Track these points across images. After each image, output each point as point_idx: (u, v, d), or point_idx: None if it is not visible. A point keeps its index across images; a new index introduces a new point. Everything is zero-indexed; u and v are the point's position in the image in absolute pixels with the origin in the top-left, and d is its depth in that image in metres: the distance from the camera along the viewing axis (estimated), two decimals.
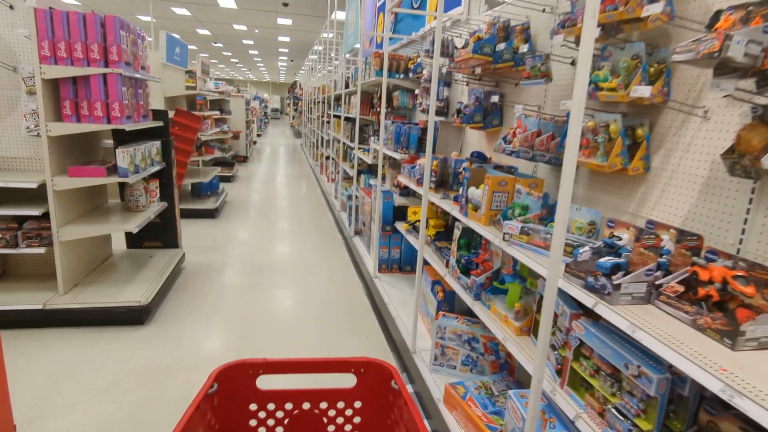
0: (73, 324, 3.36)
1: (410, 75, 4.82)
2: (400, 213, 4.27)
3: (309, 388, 1.50)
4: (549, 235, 1.93)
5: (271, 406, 1.48)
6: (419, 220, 3.56)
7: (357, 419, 1.53)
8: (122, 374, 2.89)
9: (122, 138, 4.11)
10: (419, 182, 3.41)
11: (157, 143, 4.08)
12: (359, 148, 6.12)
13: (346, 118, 7.35)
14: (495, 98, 2.90)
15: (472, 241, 2.75)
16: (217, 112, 8.68)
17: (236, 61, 29.77)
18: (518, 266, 2.33)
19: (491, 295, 2.36)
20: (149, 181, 4.02)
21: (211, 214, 6.66)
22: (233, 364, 1.44)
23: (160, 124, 4.14)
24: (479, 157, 2.88)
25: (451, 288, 2.80)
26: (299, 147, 19.04)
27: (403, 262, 4.30)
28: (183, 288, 4.23)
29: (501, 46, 2.79)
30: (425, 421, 1.35)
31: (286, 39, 19.29)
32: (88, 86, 3.15)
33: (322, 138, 10.99)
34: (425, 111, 4.24)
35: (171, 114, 6.12)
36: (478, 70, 2.95)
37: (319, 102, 11.80)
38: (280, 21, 15.32)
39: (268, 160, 14.07)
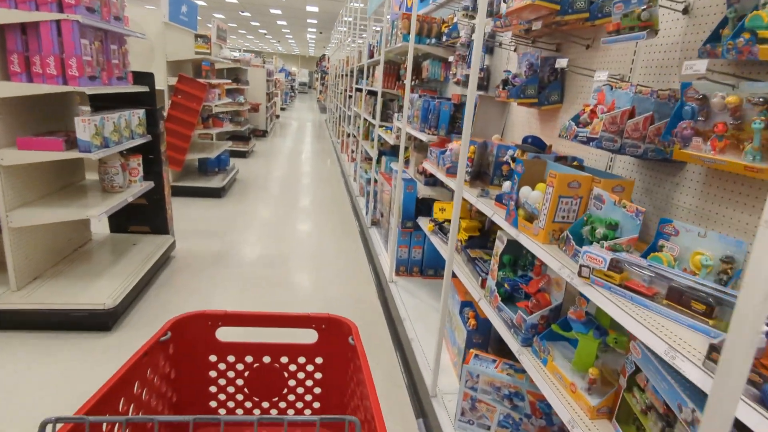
0: (25, 327, 2.81)
1: (444, 40, 4.03)
2: (424, 206, 3.56)
3: (270, 342, 1.47)
4: (657, 276, 1.20)
5: (231, 359, 1.46)
6: (448, 220, 2.84)
7: (318, 375, 1.51)
8: (73, 396, 2.32)
9: (101, 105, 3.50)
10: (450, 172, 2.68)
11: (140, 112, 3.45)
12: (381, 126, 5.39)
13: (369, 92, 6.60)
14: (562, 62, 2.12)
15: (519, 258, 2.03)
16: (230, 82, 8.03)
17: (265, 32, 29.04)
18: (594, 309, 1.61)
19: (549, 344, 1.65)
20: (129, 156, 3.41)
21: (216, 193, 6.08)
22: (191, 315, 1.42)
23: (144, 89, 3.51)
24: (534, 144, 2.13)
25: (487, 316, 2.10)
26: (324, 123, 18.35)
27: (425, 265, 3.60)
28: (168, 282, 3.65)
29: None
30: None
31: (315, 9, 18.43)
32: (39, 37, 2.51)
33: (345, 114, 10.26)
34: (460, 83, 3.47)
35: (172, 81, 5.50)
36: (538, 26, 2.17)
37: (343, 75, 11.03)
38: None
39: (289, 136, 13.44)
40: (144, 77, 3.54)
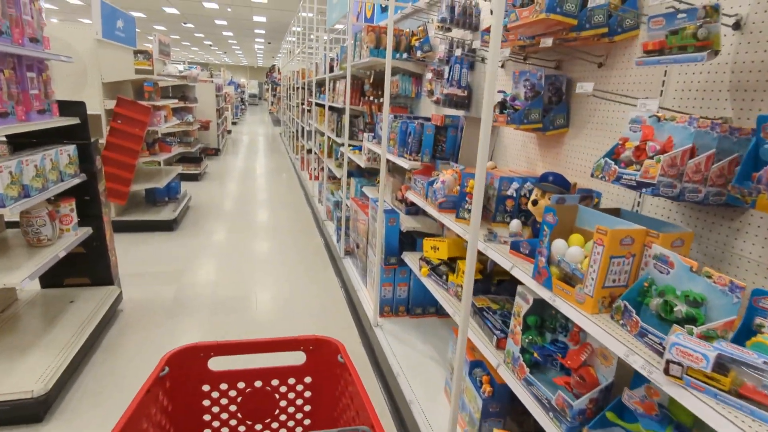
0: None
1: (416, 54, 3.72)
2: (407, 237, 3.22)
3: (260, 367, 1.51)
4: None
5: (223, 386, 1.50)
6: (444, 262, 2.51)
7: (308, 393, 1.57)
8: None
9: (23, 143, 2.95)
10: (444, 207, 2.35)
11: (70, 149, 2.93)
12: (350, 146, 5.02)
13: (331, 108, 6.22)
14: (587, 87, 1.81)
15: (547, 319, 1.71)
16: (177, 101, 7.44)
17: (210, 43, 28.03)
18: (666, 398, 1.30)
19: None
20: (59, 202, 2.88)
21: (168, 225, 5.50)
22: (184, 348, 1.45)
23: (73, 120, 2.98)
24: (557, 183, 1.82)
25: (505, 381, 1.78)
26: (278, 136, 17.74)
27: (411, 304, 3.25)
28: (115, 345, 3.11)
29: (591, 2, 1.73)
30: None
31: (262, 19, 17.88)
32: None
33: (303, 128, 9.81)
34: (440, 102, 3.16)
35: (110, 105, 4.92)
36: (548, 42, 1.87)
37: (298, 88, 10.58)
38: None
39: (243, 152, 12.80)
40: (73, 107, 3.02)
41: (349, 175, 5.38)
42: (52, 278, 3.42)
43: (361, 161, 4.31)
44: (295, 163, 10.81)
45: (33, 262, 2.52)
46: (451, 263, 2.48)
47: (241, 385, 1.50)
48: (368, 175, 5.35)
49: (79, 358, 2.77)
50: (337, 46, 6.21)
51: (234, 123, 20.67)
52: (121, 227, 5.32)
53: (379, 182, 4.05)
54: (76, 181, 2.99)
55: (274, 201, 7.39)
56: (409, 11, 4.11)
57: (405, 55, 3.91)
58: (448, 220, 2.26)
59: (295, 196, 7.88)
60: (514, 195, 2.11)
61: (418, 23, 4.02)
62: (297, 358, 1.54)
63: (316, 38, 8.26)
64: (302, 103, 9.73)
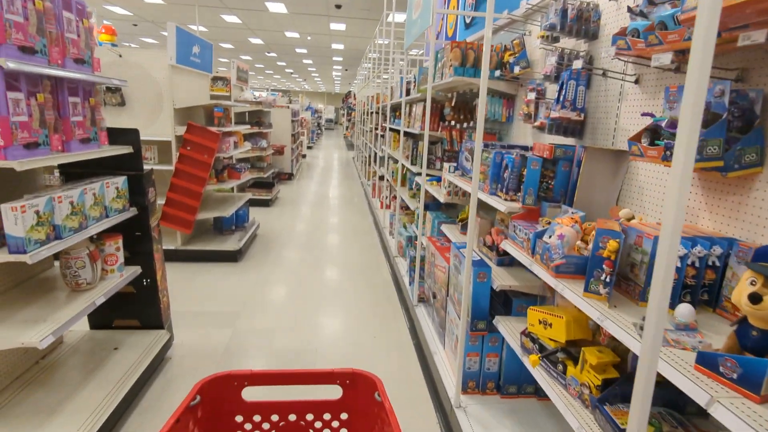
0: None
1: (510, 72, 3.13)
2: (498, 296, 2.58)
3: (295, 400, 1.49)
4: None
5: (257, 418, 1.47)
6: (563, 347, 1.85)
7: (343, 431, 1.51)
8: None
9: (73, 171, 2.70)
10: (561, 272, 1.71)
11: (119, 181, 2.63)
12: (427, 176, 4.47)
13: (407, 134, 5.74)
14: None
15: None
16: (250, 127, 7.35)
17: (291, 71, 29.19)
18: None
19: None
20: (103, 240, 2.57)
21: (232, 257, 5.23)
22: (217, 376, 1.42)
23: (124, 150, 2.70)
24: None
25: None
26: (351, 161, 17.69)
27: (503, 380, 2.57)
28: (157, 404, 2.73)
29: None
30: None
31: (340, 46, 18.17)
32: None
33: (375, 154, 9.46)
34: (545, 128, 2.53)
35: (181, 131, 4.76)
36: (761, 37, 1.21)
37: (372, 113, 10.30)
38: (333, 26, 14.14)
39: (316, 177, 12.72)
40: (125, 135, 2.74)
41: (425, 207, 4.82)
42: (101, 318, 3.14)
43: (440, 195, 3.73)
44: (366, 189, 10.46)
45: (63, 313, 2.18)
46: (571, 346, 1.81)
47: (274, 417, 1.47)
48: (445, 208, 4.76)
49: (114, 419, 2.39)
50: (414, 69, 5.75)
51: (309, 147, 21.05)
52: (184, 257, 5.12)
53: (462, 222, 3.45)
54: (125, 216, 2.69)
55: (343, 231, 6.99)
56: (504, 22, 3.53)
57: (497, 73, 3.33)
58: (571, 292, 1.61)
59: (365, 225, 7.44)
60: (684, 264, 1.43)
61: (512, 36, 3.44)
62: (333, 393, 1.50)
63: (392, 60, 7.92)
64: (376, 128, 9.41)
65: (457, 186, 3.62)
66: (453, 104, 4.24)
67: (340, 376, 1.48)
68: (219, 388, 1.40)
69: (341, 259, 5.59)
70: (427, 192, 5.06)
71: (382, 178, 8.43)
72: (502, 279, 2.45)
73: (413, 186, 5.49)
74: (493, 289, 2.48)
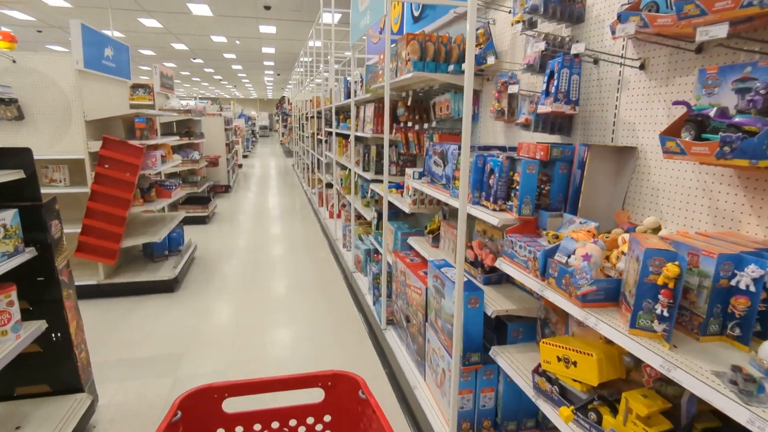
0: None
1: (479, 64, 2.83)
2: (489, 320, 2.25)
3: (277, 407, 1.47)
4: None
5: (239, 429, 1.44)
6: (594, 390, 1.52)
7: None
8: None
9: None
10: (590, 301, 1.39)
11: (6, 216, 2.04)
12: (376, 181, 4.10)
13: (356, 138, 5.35)
14: None
15: None
16: (179, 138, 6.67)
17: (220, 77, 27.89)
18: None
19: None
20: None
21: (168, 287, 4.59)
22: (197, 390, 1.40)
23: (15, 176, 2.10)
24: None
25: None
26: (291, 168, 17.02)
27: (502, 417, 2.24)
28: None
29: None
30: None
31: (271, 50, 17.47)
32: None
33: (319, 160, 8.98)
34: (529, 125, 2.23)
35: (95, 146, 4.09)
36: None
37: (312, 117, 9.81)
38: (263, 29, 13.48)
39: (255, 188, 12.00)
40: (13, 156, 2.14)
41: (381, 216, 4.46)
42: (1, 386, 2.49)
43: (404, 205, 3.37)
44: (311, 197, 9.94)
45: None
46: (602, 388, 1.50)
47: (257, 427, 1.46)
48: (404, 216, 4.42)
49: None
50: (359, 69, 5.37)
51: (245, 156, 20.10)
52: (110, 292, 4.42)
53: (432, 234, 3.10)
54: (19, 260, 2.10)
55: (291, 245, 6.47)
56: (463, 11, 3.23)
57: (455, 67, 3.03)
58: (609, 328, 1.29)
59: (314, 237, 6.96)
60: (760, 287, 1.14)
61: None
62: (315, 396, 1.49)
63: (331, 62, 7.49)
64: (317, 133, 8.93)
65: (423, 193, 3.27)
66: (408, 104, 3.90)
67: (322, 378, 1.47)
68: (199, 402, 1.38)
69: (293, 278, 5.09)
70: (381, 199, 4.70)
71: (329, 185, 7.98)
72: (495, 302, 2.12)
73: (366, 194, 5.11)
74: (487, 318, 2.14)
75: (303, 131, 12.62)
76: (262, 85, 32.80)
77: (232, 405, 1.41)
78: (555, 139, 2.32)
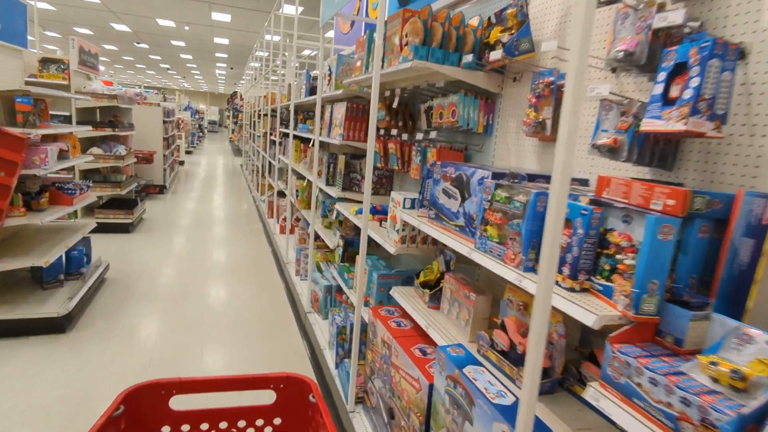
0: None
1: (511, 56, 1.99)
2: None
3: (226, 407, 1.45)
4: None
5: (185, 428, 1.41)
6: None
7: None
8: None
9: None
10: None
11: None
12: (349, 201, 3.19)
13: (322, 144, 4.40)
14: None
15: None
16: (93, 128, 5.47)
17: (167, 66, 25.92)
18: None
19: None
20: None
21: (56, 326, 3.43)
22: (142, 385, 1.36)
23: None
24: None
25: None
26: (239, 168, 15.69)
27: None
28: None
29: None
30: None
31: (224, 41, 16.14)
32: None
33: (270, 164, 7.92)
34: (618, 147, 1.41)
35: None
36: None
37: (265, 115, 8.73)
38: (216, 16, 12.24)
39: (195, 189, 10.69)
40: None
41: (348, 244, 3.55)
42: None
43: (387, 241, 2.47)
44: (260, 205, 8.83)
45: None
46: None
47: (204, 426, 1.42)
48: (375, 246, 3.52)
49: None
50: (319, 61, 4.42)
51: (189, 152, 18.52)
52: None
53: (428, 289, 2.21)
54: None
55: (231, 265, 5.40)
56: None
57: (473, 59, 2.19)
58: None
59: (261, 257, 5.90)
60: None
61: (492, 6, 2.34)
62: (266, 398, 1.47)
63: (285, 55, 6.50)
64: (270, 134, 7.88)
65: (414, 228, 2.39)
66: (394, 105, 3.02)
67: (274, 380, 1.46)
68: (144, 398, 1.35)
69: (227, 316, 4.05)
70: (347, 220, 3.80)
71: (281, 194, 6.96)
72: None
73: (329, 213, 4.17)
74: None
75: (254, 129, 11.46)
76: (213, 78, 30.95)
77: (179, 403, 1.37)
78: (645, 173, 1.51)
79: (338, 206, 3.47)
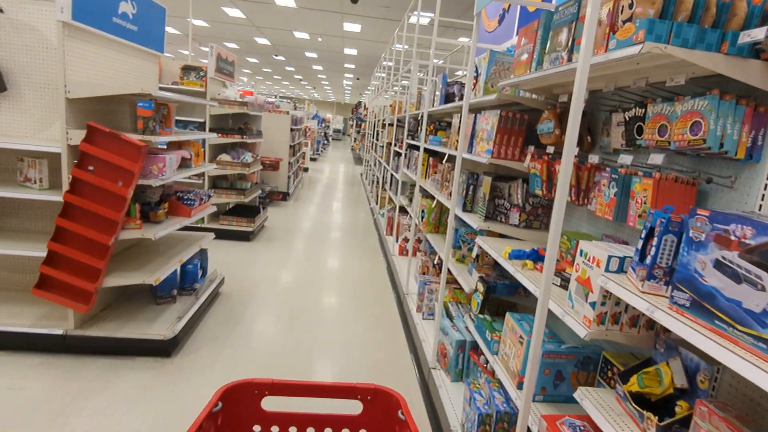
0: None
1: None
2: None
3: (314, 413, 1.45)
4: None
5: (275, 429, 1.45)
6: None
7: None
8: None
9: None
10: None
11: None
12: (495, 235, 2.43)
13: (451, 158, 3.69)
14: None
15: None
16: (219, 135, 5.38)
17: (300, 77, 27.47)
18: None
19: None
20: None
21: (161, 349, 3.17)
22: (240, 383, 1.40)
23: None
24: None
25: None
26: (359, 177, 15.68)
27: None
28: None
29: None
30: None
31: (353, 52, 16.37)
32: None
33: (392, 176, 7.43)
34: None
35: (78, 137, 2.77)
36: None
37: (390, 125, 8.30)
38: (347, 26, 12.30)
39: (317, 198, 10.67)
40: None
41: (490, 290, 2.79)
42: None
43: (574, 319, 1.67)
44: (378, 219, 8.41)
45: None
46: None
47: (293, 429, 1.45)
48: (526, 292, 2.70)
49: None
50: (470, 58, 3.71)
51: (313, 159, 19.12)
52: (78, 348, 3.06)
53: (646, 404, 1.36)
54: None
55: (345, 288, 4.93)
56: None
57: (750, 40, 1.30)
58: None
59: (377, 280, 5.37)
60: None
61: None
62: (354, 408, 1.46)
63: (406, 75, 5.92)
64: (393, 144, 7.40)
65: (619, 302, 1.56)
66: (560, 115, 2.20)
67: (362, 391, 1.45)
68: (240, 396, 1.39)
69: (341, 355, 3.52)
70: (484, 253, 3.07)
71: (403, 210, 6.40)
72: None
73: (462, 245, 3.45)
74: None
75: (377, 140, 11.19)
76: (340, 89, 32.20)
77: (270, 404, 1.40)
78: None
79: (480, 241, 2.73)
